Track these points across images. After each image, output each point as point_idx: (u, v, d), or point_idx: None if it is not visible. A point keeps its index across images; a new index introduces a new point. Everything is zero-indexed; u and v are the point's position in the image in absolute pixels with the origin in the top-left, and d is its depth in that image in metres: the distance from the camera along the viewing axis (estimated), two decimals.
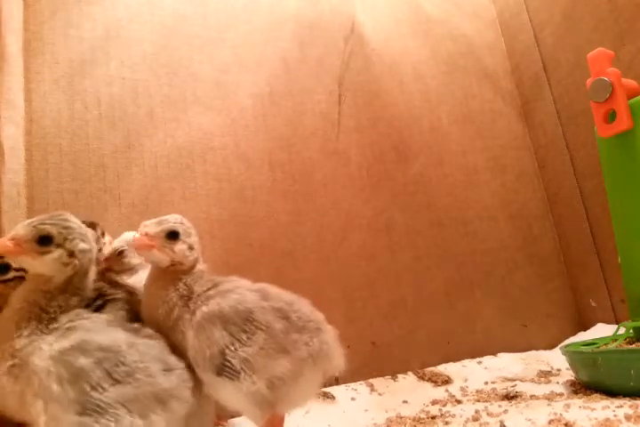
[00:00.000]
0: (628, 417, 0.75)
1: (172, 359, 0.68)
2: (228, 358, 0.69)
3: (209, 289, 0.78)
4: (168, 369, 0.66)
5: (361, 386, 1.21)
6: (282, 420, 0.73)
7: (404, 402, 1.12)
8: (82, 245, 0.70)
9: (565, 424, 0.76)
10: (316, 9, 1.54)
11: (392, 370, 1.29)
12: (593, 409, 0.82)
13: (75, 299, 0.69)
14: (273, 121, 1.40)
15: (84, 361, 0.60)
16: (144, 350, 0.66)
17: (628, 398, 0.87)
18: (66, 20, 1.24)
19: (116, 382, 0.60)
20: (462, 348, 1.40)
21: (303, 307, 0.79)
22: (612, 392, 0.92)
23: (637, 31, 1.31)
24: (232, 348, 0.69)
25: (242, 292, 0.78)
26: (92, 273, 0.72)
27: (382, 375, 1.27)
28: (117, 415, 0.58)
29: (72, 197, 1.15)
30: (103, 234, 0.92)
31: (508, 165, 1.66)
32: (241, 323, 0.72)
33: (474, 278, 1.50)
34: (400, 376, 1.27)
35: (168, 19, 1.35)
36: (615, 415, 0.77)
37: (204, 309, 0.74)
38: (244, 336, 0.71)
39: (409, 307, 1.40)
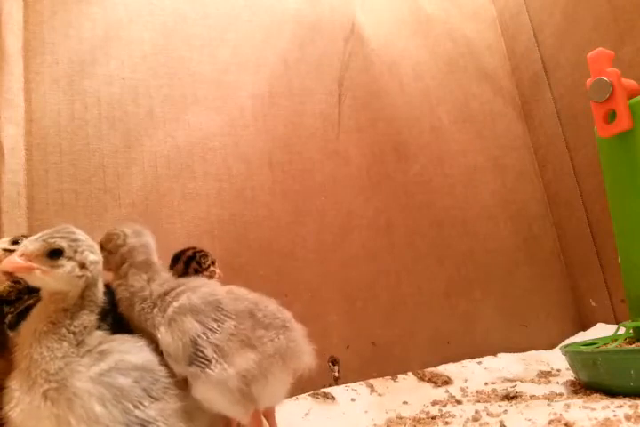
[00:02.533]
0: (627, 417, 0.75)
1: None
2: (200, 346, 0.71)
3: (176, 287, 0.80)
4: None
5: (361, 386, 1.21)
6: (260, 417, 0.74)
7: (404, 403, 1.12)
8: (92, 257, 0.68)
9: (565, 424, 0.76)
10: (316, 9, 1.54)
11: (392, 370, 1.29)
12: (593, 409, 0.82)
13: (94, 316, 0.69)
14: (273, 121, 1.40)
15: (123, 381, 0.61)
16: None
17: (627, 398, 0.87)
18: (66, 20, 1.24)
19: (154, 399, 0.62)
20: (462, 348, 1.40)
21: (270, 305, 0.81)
22: (612, 392, 0.91)
23: (637, 31, 1.31)
24: (203, 336, 0.72)
25: (212, 286, 0.81)
26: (101, 285, 0.72)
27: (382, 375, 1.27)
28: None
29: (72, 197, 1.15)
30: (214, 263, 0.96)
31: (508, 165, 1.66)
32: (210, 312, 0.74)
33: (474, 278, 1.50)
34: (400, 377, 1.27)
35: (168, 19, 1.35)
36: (615, 415, 0.77)
37: (175, 304, 0.76)
38: (214, 324, 0.73)
39: (409, 307, 1.40)
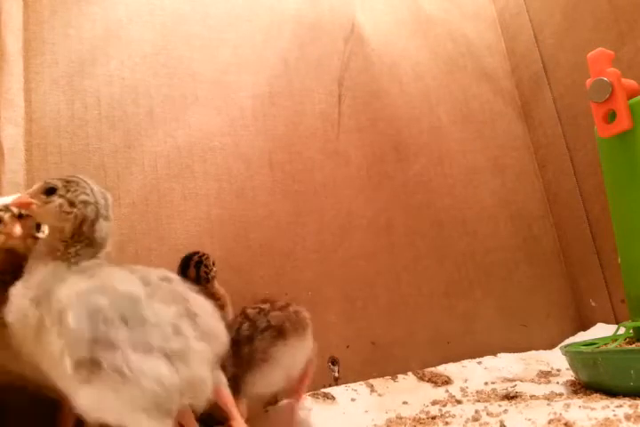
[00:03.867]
0: (627, 417, 0.75)
1: (185, 326, 0.69)
2: None
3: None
4: (177, 333, 0.67)
5: (361, 387, 1.21)
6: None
7: (404, 403, 1.12)
8: (83, 197, 0.75)
9: (565, 424, 0.76)
10: (316, 9, 1.54)
11: (392, 370, 1.29)
12: (593, 409, 0.82)
13: (90, 249, 0.74)
14: (273, 121, 1.40)
15: (101, 301, 0.64)
16: (159, 308, 0.68)
17: (627, 398, 0.87)
18: (66, 20, 1.24)
19: (130, 327, 0.64)
20: (462, 348, 1.40)
21: None
22: (612, 392, 0.91)
23: (637, 31, 1.31)
24: None
25: None
26: (104, 227, 0.76)
27: (382, 375, 1.27)
28: (126, 354, 0.61)
29: None
30: (214, 264, 0.99)
31: (508, 165, 1.66)
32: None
33: (474, 278, 1.50)
34: (400, 377, 1.27)
35: (168, 19, 1.35)
36: (615, 415, 0.77)
37: None
38: None
39: (409, 307, 1.40)
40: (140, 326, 0.64)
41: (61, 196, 0.74)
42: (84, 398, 0.61)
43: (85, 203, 0.75)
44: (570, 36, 1.52)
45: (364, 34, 1.58)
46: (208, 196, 1.27)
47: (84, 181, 0.77)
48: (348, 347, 1.30)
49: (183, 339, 0.67)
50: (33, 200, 0.74)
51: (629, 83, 1.06)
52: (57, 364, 0.62)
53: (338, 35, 1.55)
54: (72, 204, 0.74)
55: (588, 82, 1.08)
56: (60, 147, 1.17)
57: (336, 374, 1.26)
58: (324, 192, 1.40)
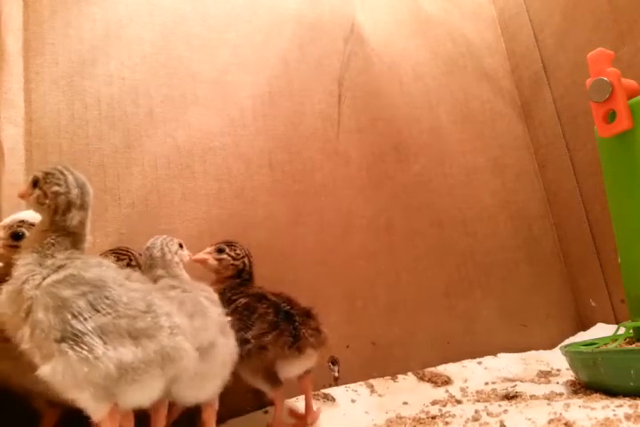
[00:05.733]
0: (627, 417, 0.75)
1: (158, 304, 0.73)
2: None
3: None
4: (152, 311, 0.71)
5: (361, 387, 1.21)
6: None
7: (404, 403, 1.12)
8: (54, 188, 0.78)
9: (565, 424, 0.76)
10: (316, 9, 1.54)
11: (392, 370, 1.29)
12: (593, 409, 0.82)
13: (66, 239, 0.77)
14: (273, 121, 1.40)
15: (68, 293, 0.68)
16: (130, 288, 0.72)
17: (627, 398, 0.87)
18: (66, 20, 1.24)
19: (97, 312, 0.67)
20: (462, 348, 1.40)
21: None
22: (612, 392, 0.91)
23: (637, 31, 1.31)
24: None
25: None
26: (76, 216, 0.79)
27: (382, 376, 1.27)
28: (92, 344, 0.64)
29: None
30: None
31: (508, 165, 1.66)
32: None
33: (474, 278, 1.50)
34: (400, 377, 1.27)
35: (168, 19, 1.35)
36: (615, 415, 0.77)
37: None
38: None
39: (409, 307, 1.40)
40: (108, 309, 0.68)
41: (40, 187, 0.79)
42: (52, 370, 0.65)
43: (56, 193, 0.78)
44: (570, 36, 1.52)
45: (364, 34, 1.58)
46: (208, 196, 1.27)
47: (61, 172, 0.80)
48: (348, 347, 1.30)
49: (152, 316, 0.70)
50: (26, 192, 0.80)
51: (629, 83, 1.06)
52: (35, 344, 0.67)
53: (338, 35, 1.55)
54: (45, 195, 0.78)
55: (588, 82, 1.08)
56: (59, 147, 1.17)
57: (336, 374, 1.26)
58: (324, 192, 1.40)
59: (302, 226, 1.35)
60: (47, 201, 0.78)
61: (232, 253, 1.10)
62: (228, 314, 0.98)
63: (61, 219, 0.78)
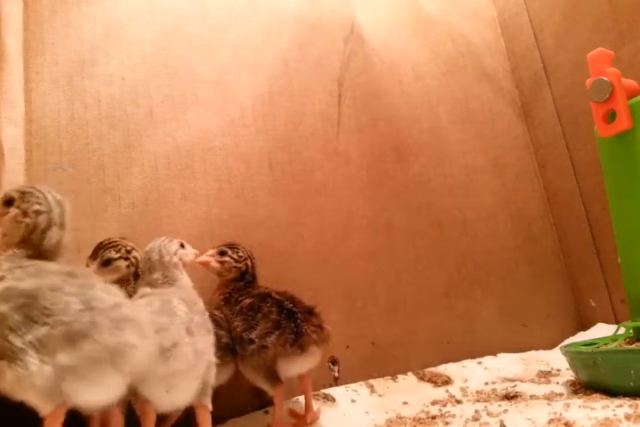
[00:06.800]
0: (627, 417, 0.75)
1: (102, 298, 0.71)
2: None
3: None
4: (89, 308, 0.69)
5: (361, 387, 1.21)
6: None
7: (405, 403, 1.12)
8: (36, 207, 0.78)
9: (565, 424, 0.76)
10: (316, 9, 1.54)
11: (392, 370, 1.29)
12: (593, 409, 0.82)
13: (23, 251, 0.76)
14: (273, 121, 1.40)
15: (3, 307, 0.67)
16: (69, 290, 0.70)
17: (627, 398, 0.87)
18: (66, 20, 1.24)
19: (35, 323, 0.66)
20: (462, 348, 1.40)
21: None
22: (612, 392, 0.91)
23: (637, 31, 1.31)
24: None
25: None
26: (55, 235, 0.79)
27: (382, 376, 1.27)
28: (27, 360, 0.64)
29: (72, 197, 1.15)
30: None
31: (508, 165, 1.66)
32: None
33: (474, 278, 1.50)
34: (400, 377, 1.27)
35: (168, 19, 1.35)
36: (615, 415, 0.77)
37: None
38: None
39: (409, 307, 1.40)
40: (45, 318, 0.66)
41: (17, 206, 0.79)
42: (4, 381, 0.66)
43: (37, 212, 0.78)
44: (570, 36, 1.52)
45: (364, 34, 1.58)
46: (208, 196, 1.27)
47: (40, 191, 0.80)
48: (348, 347, 1.30)
49: (89, 314, 0.68)
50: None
51: (629, 83, 1.06)
52: None
53: (338, 35, 1.55)
54: (25, 213, 0.78)
55: (588, 82, 1.08)
56: (59, 147, 1.17)
57: (336, 374, 1.26)
58: (324, 192, 1.40)
59: (302, 226, 1.35)
60: (27, 220, 0.78)
61: (234, 256, 1.10)
62: (234, 315, 0.98)
63: (39, 237, 0.78)
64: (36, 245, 0.77)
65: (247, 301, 1.02)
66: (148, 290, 0.90)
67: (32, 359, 0.64)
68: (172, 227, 1.20)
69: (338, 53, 1.53)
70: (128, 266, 1.00)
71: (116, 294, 0.74)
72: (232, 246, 1.12)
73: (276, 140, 1.38)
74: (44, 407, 0.66)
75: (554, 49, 1.60)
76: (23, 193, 0.79)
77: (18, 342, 0.65)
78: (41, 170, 1.14)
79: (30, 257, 0.76)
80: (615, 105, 1.03)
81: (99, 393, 0.69)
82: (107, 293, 0.73)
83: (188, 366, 0.80)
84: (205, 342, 0.86)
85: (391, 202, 1.47)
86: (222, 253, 1.10)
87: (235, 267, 1.10)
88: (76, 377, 0.66)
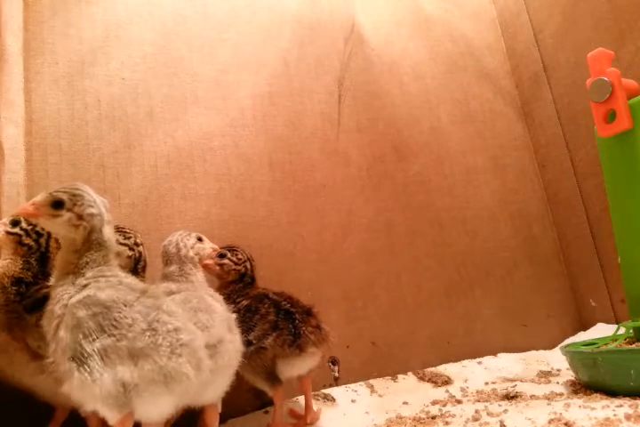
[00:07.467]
0: (627, 417, 0.75)
1: (165, 321, 0.73)
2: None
3: None
4: (151, 329, 0.71)
5: (361, 387, 1.21)
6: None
7: (405, 403, 1.12)
8: (90, 210, 0.80)
9: (565, 424, 0.76)
10: (316, 9, 1.54)
11: (392, 370, 1.29)
12: (593, 409, 0.82)
13: (98, 254, 0.79)
14: (273, 121, 1.40)
15: (82, 313, 0.71)
16: (139, 308, 0.73)
17: (628, 398, 0.87)
18: (66, 20, 1.24)
19: (104, 333, 0.70)
20: (462, 348, 1.40)
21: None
22: (611, 392, 0.91)
23: (637, 31, 1.31)
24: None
25: None
26: (108, 232, 0.82)
27: (382, 375, 1.27)
28: (92, 367, 0.67)
29: None
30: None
31: (508, 165, 1.66)
32: None
33: (474, 278, 1.50)
34: (400, 377, 1.27)
35: (168, 19, 1.35)
36: (615, 415, 0.77)
37: None
38: None
39: (409, 307, 1.40)
40: (114, 330, 0.70)
41: (69, 210, 0.79)
42: (69, 387, 0.69)
43: (92, 215, 0.80)
44: (570, 36, 1.52)
45: (364, 34, 1.58)
46: (208, 196, 1.27)
47: (88, 193, 0.81)
48: (348, 347, 1.30)
49: (151, 336, 0.70)
50: (40, 212, 0.78)
51: (629, 83, 1.06)
52: (56, 360, 0.72)
53: (338, 35, 1.55)
54: (80, 217, 0.79)
55: (588, 82, 1.08)
56: (59, 147, 1.17)
57: (336, 374, 1.26)
58: (323, 192, 1.40)
59: (302, 226, 1.35)
60: (84, 223, 0.79)
61: (234, 259, 1.11)
62: None
63: (98, 236, 0.80)
64: (99, 244, 0.79)
65: (244, 302, 1.02)
66: (173, 286, 0.90)
67: (97, 367, 0.67)
68: (172, 227, 1.20)
69: (338, 53, 1.53)
70: (130, 256, 1.00)
71: (178, 316, 0.76)
72: (231, 249, 1.12)
73: (276, 140, 1.38)
74: (110, 416, 0.69)
75: (554, 49, 1.60)
76: (74, 195, 0.80)
77: (88, 347, 0.68)
78: (41, 170, 1.14)
79: (99, 260, 0.79)
80: (615, 105, 1.03)
81: (153, 409, 0.71)
82: (170, 315, 0.74)
83: (229, 363, 0.82)
84: (240, 340, 0.88)
85: (391, 202, 1.47)
86: (222, 256, 1.10)
87: (234, 269, 1.10)
88: (135, 391, 0.68)
